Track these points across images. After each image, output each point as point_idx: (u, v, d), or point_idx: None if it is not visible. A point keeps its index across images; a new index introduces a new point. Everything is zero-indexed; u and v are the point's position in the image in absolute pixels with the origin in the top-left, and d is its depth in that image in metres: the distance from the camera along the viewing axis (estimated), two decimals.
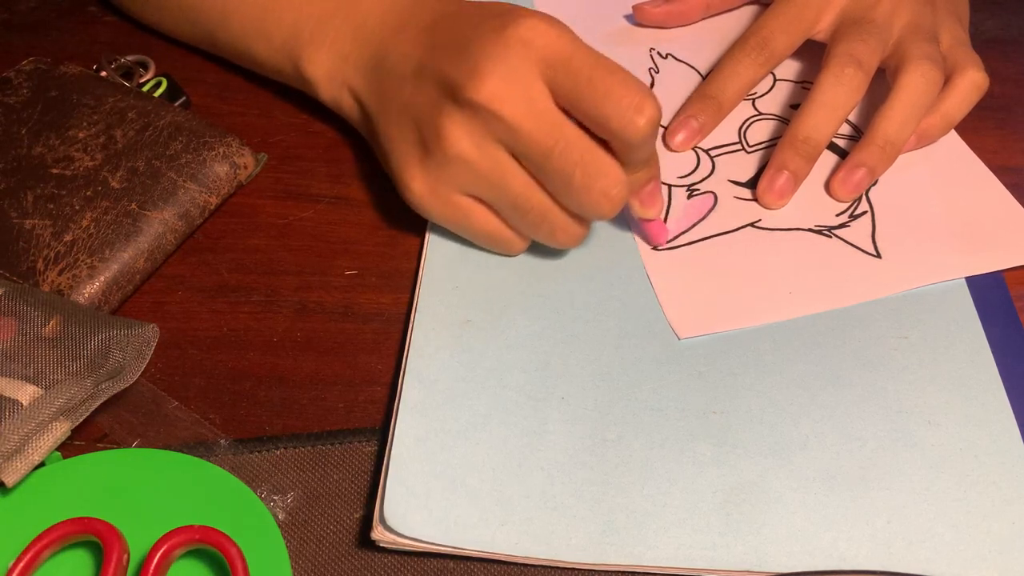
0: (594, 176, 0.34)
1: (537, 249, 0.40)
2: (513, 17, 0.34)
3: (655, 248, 0.41)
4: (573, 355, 0.36)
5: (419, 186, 0.37)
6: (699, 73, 0.49)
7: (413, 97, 0.37)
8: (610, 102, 0.33)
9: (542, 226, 0.37)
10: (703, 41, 0.51)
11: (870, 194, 0.43)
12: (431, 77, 0.36)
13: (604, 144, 0.35)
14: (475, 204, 0.38)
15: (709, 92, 0.45)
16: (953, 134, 0.46)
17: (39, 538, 0.29)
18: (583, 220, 0.38)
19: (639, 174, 0.37)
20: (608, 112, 0.33)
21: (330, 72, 0.42)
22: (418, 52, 0.38)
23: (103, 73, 0.46)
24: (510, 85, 0.34)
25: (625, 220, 0.42)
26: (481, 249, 0.40)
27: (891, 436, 0.34)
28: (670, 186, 0.43)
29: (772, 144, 0.45)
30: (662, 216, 0.40)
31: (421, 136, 0.37)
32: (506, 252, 0.40)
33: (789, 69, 0.50)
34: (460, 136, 0.35)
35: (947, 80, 0.43)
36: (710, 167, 0.44)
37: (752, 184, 0.43)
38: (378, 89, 0.40)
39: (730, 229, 0.42)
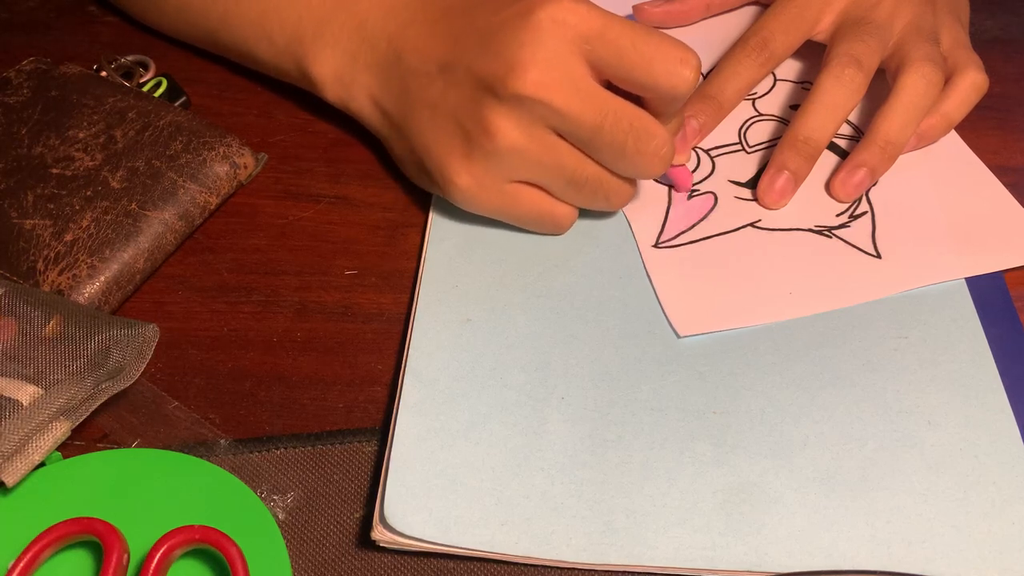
0: (646, 140, 0.35)
1: (538, 249, 0.40)
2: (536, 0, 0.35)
3: (656, 246, 0.41)
4: (573, 355, 0.36)
5: (465, 180, 0.38)
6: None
7: (444, 94, 0.37)
8: (656, 62, 0.34)
9: (598, 194, 0.38)
10: (703, 41, 0.51)
11: (870, 194, 0.43)
12: (463, 73, 0.36)
13: (640, 104, 0.36)
14: (524, 188, 0.38)
15: (709, 92, 0.45)
16: (953, 134, 0.46)
17: (39, 538, 0.29)
18: (632, 180, 0.39)
19: (672, 124, 0.38)
20: (657, 71, 0.34)
21: (337, 72, 0.42)
22: (439, 47, 0.38)
23: (103, 73, 0.46)
24: (552, 71, 0.34)
25: (625, 219, 0.42)
26: (482, 248, 0.40)
27: (891, 436, 0.34)
28: (669, 187, 0.43)
29: (772, 144, 0.45)
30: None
31: (463, 131, 0.37)
32: (557, 230, 0.40)
33: (789, 70, 0.50)
34: (508, 128, 0.35)
35: (947, 81, 0.43)
36: (710, 167, 0.44)
37: (752, 184, 0.43)
38: (399, 89, 0.40)
39: (730, 229, 0.42)
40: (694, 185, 0.43)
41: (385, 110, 0.41)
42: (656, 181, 0.44)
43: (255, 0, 0.44)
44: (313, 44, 0.42)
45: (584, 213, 0.41)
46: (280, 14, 0.43)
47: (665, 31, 0.52)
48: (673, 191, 0.43)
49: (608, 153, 0.36)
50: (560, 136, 0.36)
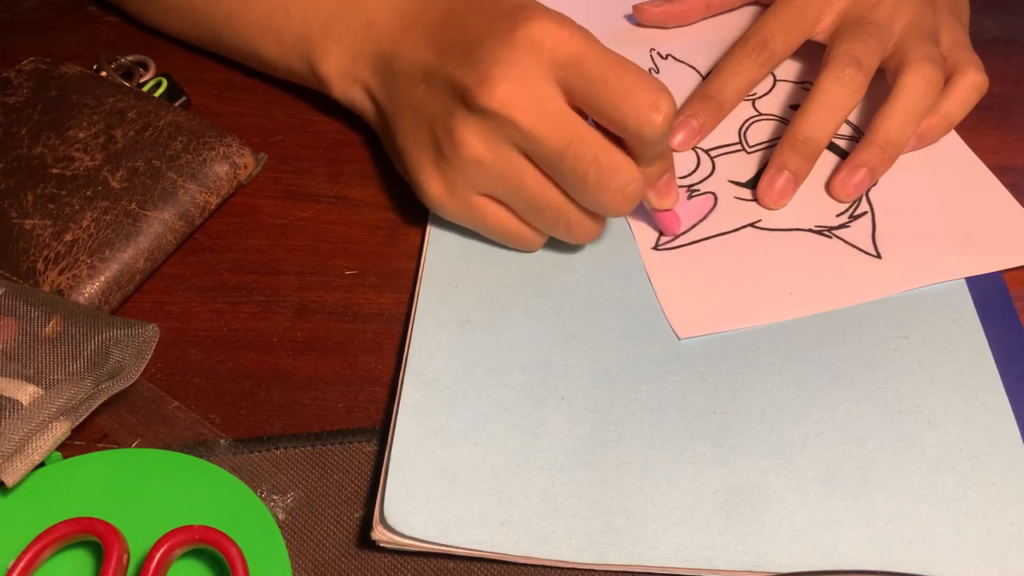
0: (609, 175, 0.34)
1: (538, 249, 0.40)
2: (523, 17, 0.34)
3: (655, 248, 0.41)
4: (573, 355, 0.36)
5: (435, 187, 0.38)
6: (699, 73, 0.49)
7: (425, 100, 0.37)
8: (627, 102, 0.33)
9: (559, 223, 0.37)
10: (703, 41, 0.51)
11: (870, 194, 0.43)
12: (442, 81, 0.36)
13: (617, 141, 0.35)
14: (491, 203, 0.38)
15: (709, 92, 0.45)
16: (953, 134, 0.46)
17: (39, 538, 0.29)
18: (599, 216, 0.38)
19: (654, 167, 0.37)
20: (625, 112, 0.33)
21: (342, 69, 0.42)
22: (427, 54, 0.38)
23: (103, 73, 0.46)
24: (521, 89, 0.34)
25: (626, 220, 0.42)
26: (482, 248, 0.40)
27: (891, 436, 0.34)
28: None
29: (772, 144, 0.45)
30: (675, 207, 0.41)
31: (435, 139, 0.37)
32: (524, 249, 0.40)
33: (789, 70, 0.50)
34: (473, 140, 0.35)
35: (947, 81, 0.43)
36: (710, 167, 0.44)
37: (752, 184, 0.43)
38: (390, 89, 0.40)
39: (730, 229, 0.42)
40: (694, 185, 0.43)
41: (380, 108, 0.41)
42: (645, 222, 0.42)
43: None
44: (321, 41, 0.42)
45: None
46: (288, 12, 0.43)
47: (664, 31, 0.52)
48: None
49: (572, 182, 0.35)
50: (528, 158, 0.35)
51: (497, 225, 0.38)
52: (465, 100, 0.35)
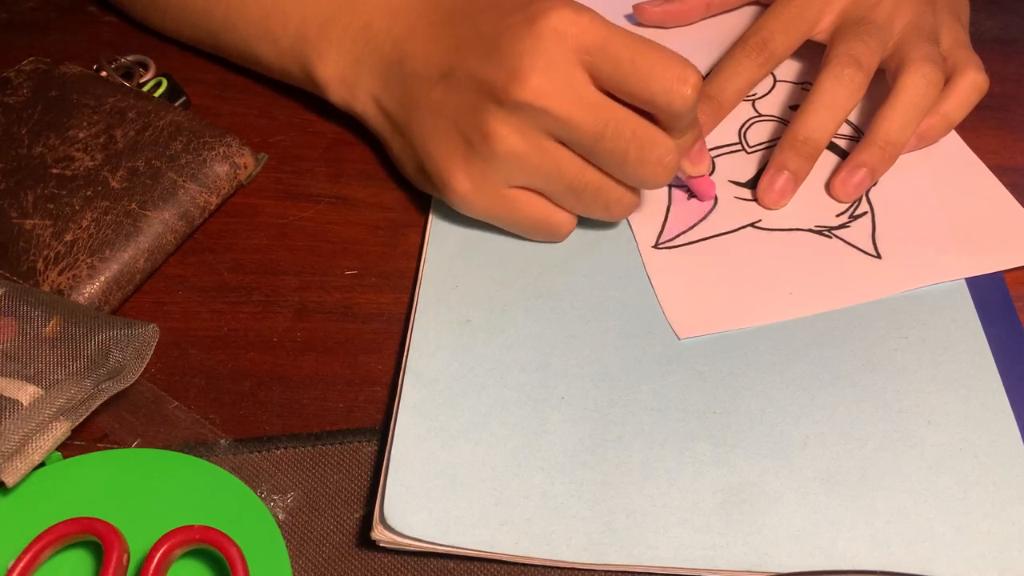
0: (648, 148, 0.35)
1: (538, 249, 0.40)
2: (540, 8, 0.35)
3: (655, 247, 0.41)
4: (573, 355, 0.36)
5: (464, 185, 0.38)
6: None
7: (445, 99, 0.37)
8: (655, 79, 0.34)
9: (597, 201, 0.38)
10: (703, 41, 0.51)
11: (870, 194, 0.43)
12: (465, 79, 0.36)
13: (648, 116, 0.36)
14: (523, 193, 0.38)
15: (709, 92, 0.45)
16: (953, 134, 0.46)
17: (39, 538, 0.29)
18: (636, 189, 0.39)
19: (686, 137, 0.38)
20: (655, 89, 0.34)
21: (341, 74, 0.42)
22: (442, 52, 0.38)
23: (103, 73, 0.46)
24: (552, 79, 0.34)
25: (626, 220, 0.42)
26: (482, 248, 0.40)
27: (891, 436, 0.34)
28: (671, 186, 0.43)
29: (772, 145, 0.45)
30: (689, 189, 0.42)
31: (463, 137, 0.37)
32: (554, 237, 0.40)
33: (789, 70, 0.50)
34: (508, 133, 0.35)
35: (947, 81, 0.43)
36: (710, 168, 0.44)
37: (752, 184, 0.43)
38: (401, 92, 0.40)
39: (730, 229, 0.42)
40: None
41: (387, 112, 0.41)
42: (676, 188, 0.43)
43: (258, 0, 0.43)
44: (317, 44, 0.42)
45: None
46: (284, 14, 0.43)
47: (664, 31, 0.52)
48: (673, 191, 0.43)
49: (610, 161, 0.36)
50: (562, 143, 0.36)
51: (530, 215, 0.39)
52: (495, 96, 0.35)
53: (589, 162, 0.37)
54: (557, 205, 0.39)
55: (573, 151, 0.36)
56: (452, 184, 0.38)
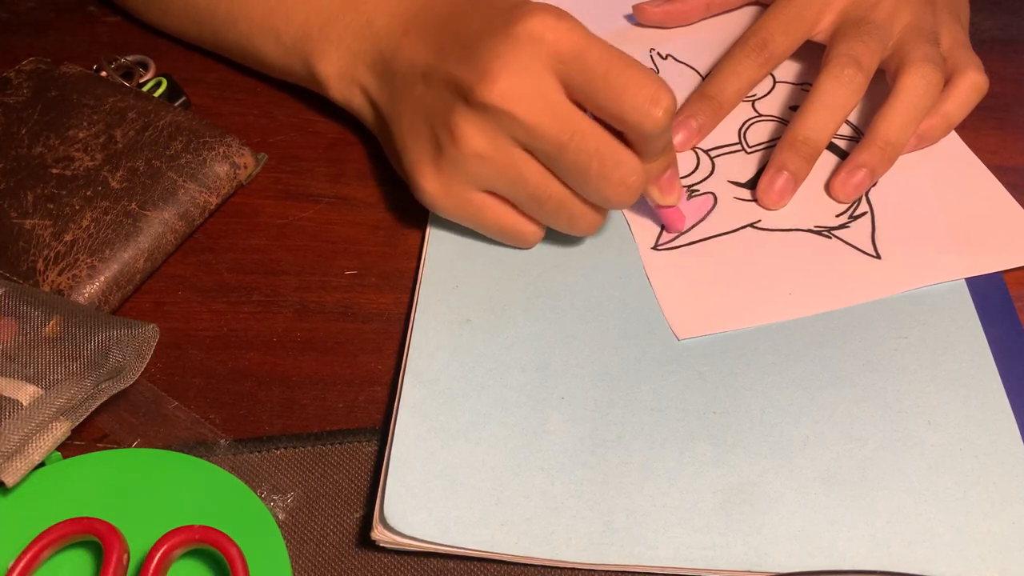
0: (611, 166, 0.34)
1: (537, 249, 0.40)
2: (521, 12, 0.34)
3: (655, 248, 0.41)
4: (573, 355, 0.36)
5: (432, 185, 0.37)
6: (699, 73, 0.49)
7: (423, 99, 0.37)
8: (627, 97, 0.33)
9: (560, 215, 0.37)
10: (703, 41, 0.51)
11: (870, 195, 0.43)
12: (441, 78, 0.36)
13: (619, 134, 0.35)
14: (489, 199, 0.38)
15: (709, 92, 0.45)
16: (953, 134, 0.46)
17: (39, 538, 0.29)
18: (601, 208, 0.38)
19: (657, 162, 0.37)
20: (625, 106, 0.33)
21: (341, 70, 0.42)
22: (425, 53, 0.38)
23: (103, 73, 0.46)
24: (521, 83, 0.34)
25: (625, 220, 0.42)
26: (482, 248, 0.40)
27: (891, 436, 0.34)
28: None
29: (772, 145, 0.45)
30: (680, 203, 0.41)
31: (434, 136, 0.37)
32: (521, 245, 0.40)
33: (789, 70, 0.50)
34: (474, 135, 0.35)
35: (947, 81, 0.43)
36: (710, 168, 0.44)
37: (752, 184, 0.43)
38: (388, 89, 0.40)
39: (730, 229, 0.42)
40: (694, 185, 0.43)
41: (378, 109, 0.41)
42: (649, 219, 0.42)
43: None
44: (320, 42, 0.42)
45: None
46: (287, 12, 0.43)
47: (664, 31, 0.52)
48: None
49: (573, 174, 0.35)
50: (528, 151, 0.35)
51: (496, 221, 0.38)
52: (465, 96, 0.35)
53: (555, 174, 0.36)
54: (522, 214, 0.38)
55: (539, 160, 0.36)
56: (421, 183, 0.38)
